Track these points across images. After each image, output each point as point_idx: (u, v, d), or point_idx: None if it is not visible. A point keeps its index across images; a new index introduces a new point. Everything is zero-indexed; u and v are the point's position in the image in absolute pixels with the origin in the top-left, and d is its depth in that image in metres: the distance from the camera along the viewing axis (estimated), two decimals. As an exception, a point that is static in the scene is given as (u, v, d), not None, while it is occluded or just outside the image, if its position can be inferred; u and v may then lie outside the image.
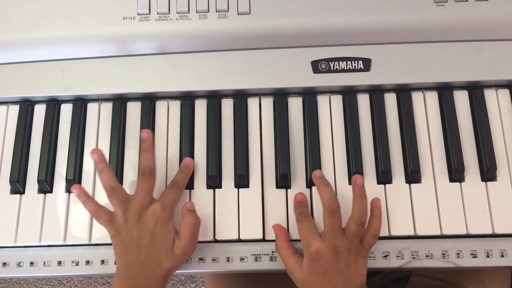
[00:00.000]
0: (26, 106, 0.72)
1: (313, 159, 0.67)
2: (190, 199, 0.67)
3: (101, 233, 0.66)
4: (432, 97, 0.70)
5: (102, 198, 0.67)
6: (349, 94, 0.70)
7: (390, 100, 0.70)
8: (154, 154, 0.66)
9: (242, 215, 0.66)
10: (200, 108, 0.71)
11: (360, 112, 0.70)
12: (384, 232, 0.65)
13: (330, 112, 0.70)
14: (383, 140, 0.68)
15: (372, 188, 0.67)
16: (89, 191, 0.68)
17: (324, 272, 0.59)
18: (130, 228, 0.61)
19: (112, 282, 0.62)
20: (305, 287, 0.61)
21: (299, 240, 0.64)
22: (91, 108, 0.72)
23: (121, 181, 0.68)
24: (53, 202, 0.68)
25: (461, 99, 0.70)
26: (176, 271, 0.65)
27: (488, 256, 0.65)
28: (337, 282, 0.59)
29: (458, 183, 0.66)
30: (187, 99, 0.71)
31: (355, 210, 0.62)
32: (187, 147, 0.69)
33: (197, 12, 0.70)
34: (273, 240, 0.65)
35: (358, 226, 0.62)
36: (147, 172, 0.64)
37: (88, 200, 0.64)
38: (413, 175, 0.66)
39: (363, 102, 0.71)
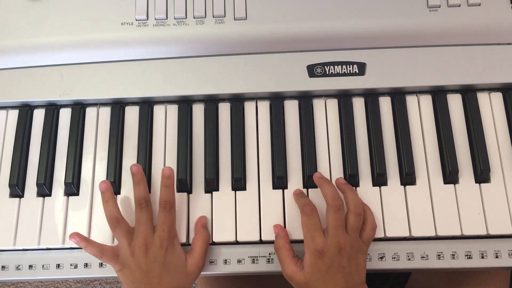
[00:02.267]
0: (25, 111, 0.72)
1: (309, 162, 0.68)
2: (188, 203, 0.68)
3: (99, 236, 0.67)
4: (426, 101, 0.71)
5: (100, 200, 0.68)
6: (344, 98, 0.71)
7: (385, 104, 0.71)
8: (146, 183, 0.66)
9: (239, 217, 0.67)
10: (198, 112, 0.72)
11: (355, 116, 0.71)
12: (379, 234, 0.65)
13: (325, 115, 0.71)
14: (378, 143, 0.69)
15: (368, 190, 0.67)
16: (88, 195, 0.68)
17: (328, 269, 0.60)
18: (138, 260, 0.61)
19: None
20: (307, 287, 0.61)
21: (297, 242, 0.65)
22: (90, 112, 0.72)
23: (119, 186, 0.69)
24: (52, 206, 0.68)
25: (455, 102, 0.71)
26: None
27: (482, 257, 0.65)
28: (339, 279, 0.60)
29: (452, 185, 0.67)
30: (184, 104, 0.72)
31: (350, 202, 0.63)
32: (184, 151, 0.69)
33: (194, 17, 0.71)
34: (270, 242, 0.66)
35: (356, 217, 0.62)
36: (143, 203, 0.64)
37: (89, 244, 0.63)
38: (408, 178, 0.67)
39: (358, 105, 0.72)
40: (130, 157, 0.70)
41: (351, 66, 0.71)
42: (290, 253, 0.63)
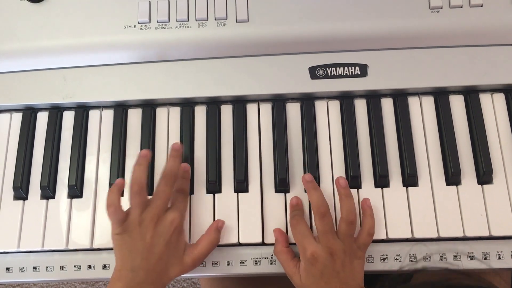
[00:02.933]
0: (29, 114, 0.73)
1: (311, 164, 0.68)
2: (190, 204, 0.68)
3: (102, 238, 0.67)
4: (428, 102, 0.71)
5: (103, 203, 0.68)
6: (346, 100, 0.71)
7: (387, 105, 0.71)
8: (180, 162, 0.66)
9: (242, 219, 0.67)
10: (200, 114, 0.72)
11: (357, 117, 0.71)
12: (382, 235, 0.65)
13: (327, 117, 0.71)
14: (380, 144, 0.69)
15: (370, 191, 0.67)
16: (91, 197, 0.69)
17: (321, 274, 0.60)
18: (145, 231, 0.60)
19: (111, 284, 0.60)
20: None
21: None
22: (93, 115, 0.73)
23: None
24: (56, 208, 0.69)
25: (457, 104, 0.71)
26: (178, 277, 0.65)
27: (485, 258, 0.65)
28: (334, 284, 0.60)
29: (454, 186, 0.67)
30: (187, 106, 0.72)
31: (343, 210, 0.63)
32: (187, 153, 0.69)
33: (196, 20, 0.71)
34: (273, 244, 0.66)
35: (348, 225, 0.62)
36: (172, 177, 0.63)
37: (115, 193, 0.62)
38: (410, 179, 0.67)
39: (360, 107, 0.72)
40: (133, 159, 0.70)
41: (353, 67, 0.71)
42: (289, 256, 0.64)
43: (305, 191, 0.68)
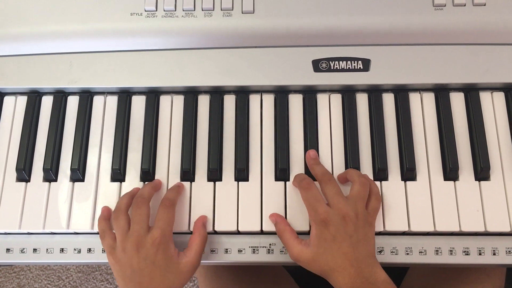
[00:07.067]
0: (34, 97, 0.73)
1: (312, 155, 0.69)
2: (191, 191, 0.69)
3: (103, 222, 0.68)
4: (429, 98, 0.72)
5: (104, 187, 0.69)
6: (348, 93, 0.72)
7: (388, 100, 0.72)
8: (154, 190, 0.67)
9: (241, 207, 0.68)
10: (203, 103, 0.73)
11: (359, 111, 0.72)
12: (379, 228, 0.66)
13: (329, 110, 0.72)
14: (380, 138, 0.70)
15: (369, 184, 0.68)
16: (93, 181, 0.70)
17: (334, 239, 0.60)
18: (130, 258, 0.61)
19: None
20: (315, 262, 0.61)
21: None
22: (97, 100, 0.73)
23: (124, 173, 0.70)
24: (57, 191, 0.69)
25: (457, 101, 0.72)
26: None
27: (480, 254, 0.66)
28: (347, 249, 0.59)
29: (452, 182, 0.68)
30: (190, 94, 0.73)
31: (354, 175, 0.65)
32: (189, 141, 0.70)
33: (202, 10, 0.72)
34: (271, 233, 0.67)
35: (362, 186, 0.63)
36: (141, 200, 0.64)
37: (105, 221, 0.66)
38: (408, 173, 0.68)
39: (362, 101, 0.72)
40: (135, 145, 0.71)
41: (355, 62, 0.71)
42: (293, 234, 0.64)
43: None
